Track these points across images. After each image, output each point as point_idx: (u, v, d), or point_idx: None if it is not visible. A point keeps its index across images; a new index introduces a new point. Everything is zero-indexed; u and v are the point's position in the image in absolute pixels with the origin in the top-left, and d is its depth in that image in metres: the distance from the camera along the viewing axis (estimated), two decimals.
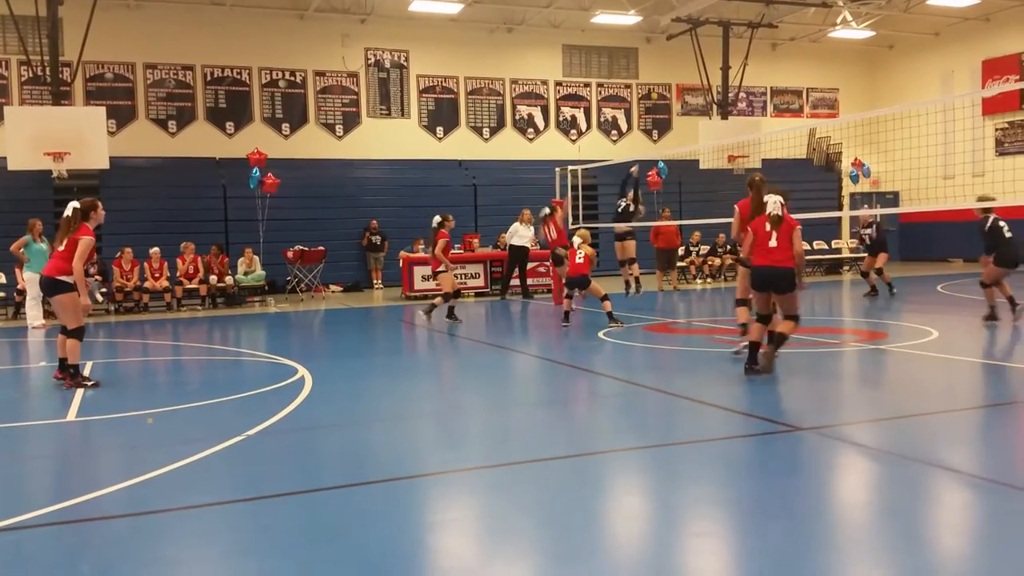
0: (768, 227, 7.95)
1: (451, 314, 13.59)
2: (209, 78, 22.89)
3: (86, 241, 8.28)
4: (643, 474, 5.34)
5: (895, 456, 5.48)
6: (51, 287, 8.34)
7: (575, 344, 11.14)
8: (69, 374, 8.34)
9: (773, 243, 7.85)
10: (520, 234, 18.18)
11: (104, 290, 17.05)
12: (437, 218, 13.28)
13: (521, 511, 4.58)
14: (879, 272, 15.96)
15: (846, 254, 24.63)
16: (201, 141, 22.62)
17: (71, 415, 7.18)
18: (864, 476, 5.24)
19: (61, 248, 8.33)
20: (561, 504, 4.65)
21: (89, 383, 8.33)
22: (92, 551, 4.15)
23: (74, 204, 8.54)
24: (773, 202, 7.99)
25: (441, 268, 13.24)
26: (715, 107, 25.60)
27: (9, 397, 8.55)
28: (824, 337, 10.90)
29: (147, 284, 17.27)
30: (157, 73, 22.43)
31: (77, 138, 17.60)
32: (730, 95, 25.32)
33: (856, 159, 24.22)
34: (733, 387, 7.92)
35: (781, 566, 3.71)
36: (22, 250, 14.60)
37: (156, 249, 17.57)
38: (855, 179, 24.06)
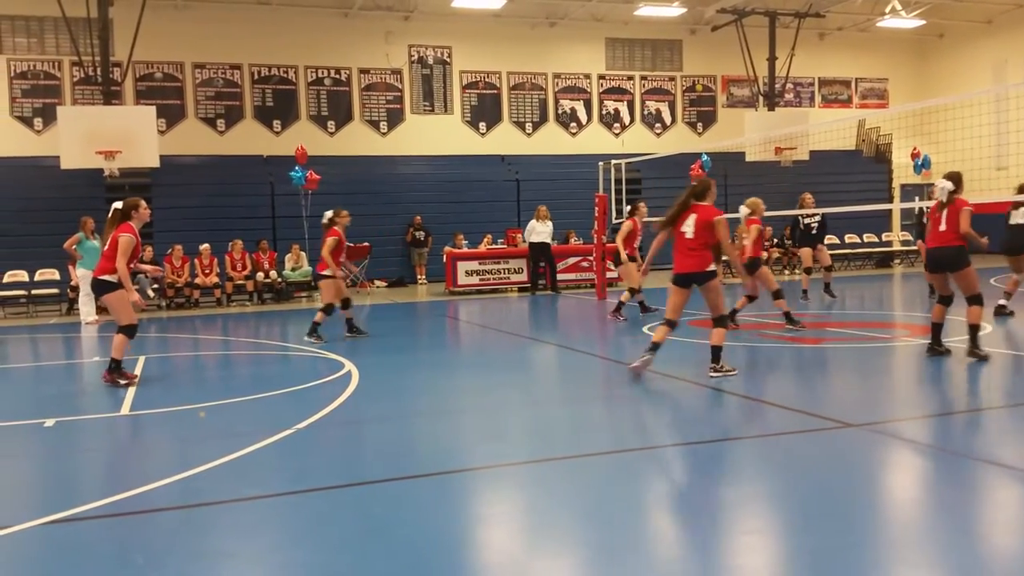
0: (938, 211, 8.25)
1: (314, 331, 11.15)
2: (256, 77, 23.16)
3: (125, 239, 8.23)
4: (690, 470, 5.31)
5: (947, 453, 5.38)
6: (98, 288, 8.47)
7: (619, 339, 11.10)
8: (109, 368, 8.39)
9: (943, 226, 8.17)
10: (538, 231, 18.15)
11: (156, 286, 17.35)
12: (328, 213, 11.40)
13: (567, 506, 4.58)
14: (808, 271, 14.69)
15: (897, 247, 24.22)
16: (249, 139, 22.90)
17: (125, 409, 7.33)
18: (916, 473, 5.16)
19: (106, 248, 8.41)
20: (607, 499, 4.64)
21: (122, 382, 8.25)
22: (146, 543, 4.23)
23: (116, 204, 8.58)
24: (941, 187, 8.28)
25: (326, 272, 11.09)
26: (761, 99, 25.29)
27: (64, 391, 8.75)
28: (874, 332, 10.73)
29: (197, 280, 17.55)
30: (205, 72, 22.76)
31: (128, 137, 17.93)
32: (777, 86, 24.99)
33: (916, 150, 23.78)
34: (782, 383, 7.85)
35: (832, 564, 3.66)
36: (75, 247, 14.94)
37: (206, 245, 17.84)
38: (918, 170, 23.61)
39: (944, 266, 8.23)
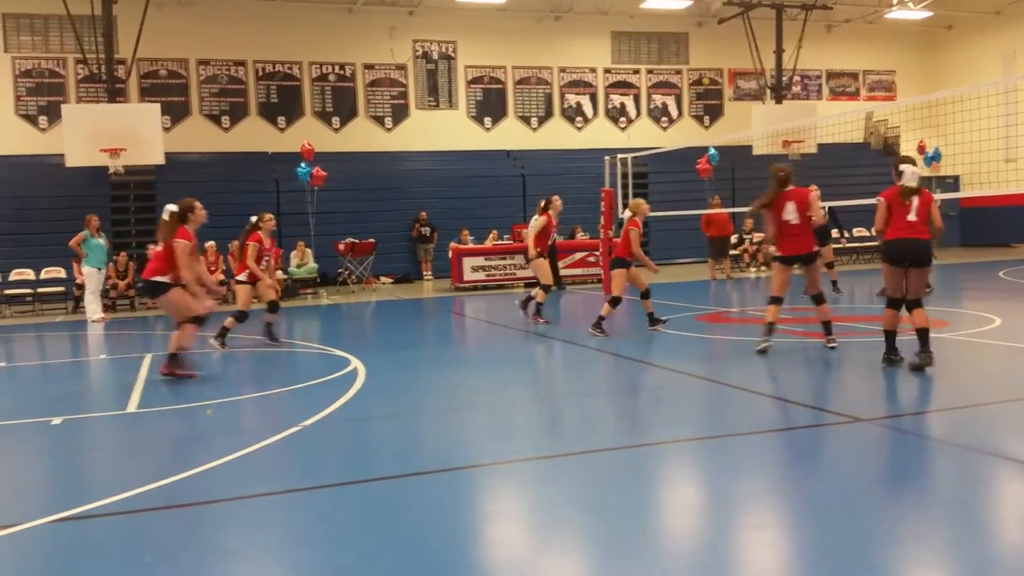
0: (906, 200, 7.50)
1: (221, 334, 10.58)
2: (261, 73, 23.15)
3: (181, 246, 8.06)
4: (698, 466, 5.26)
5: (958, 447, 5.32)
6: (151, 289, 8.27)
7: (626, 334, 11.05)
8: (166, 360, 8.22)
9: (913, 216, 7.44)
10: None
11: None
12: (253, 218, 10.89)
13: (574, 502, 4.54)
14: (831, 266, 13.94)
15: None
16: (254, 136, 22.91)
17: (132, 407, 7.31)
18: (926, 468, 5.10)
19: (159, 249, 8.20)
20: (615, 496, 4.60)
21: (180, 372, 8.16)
22: (154, 540, 4.20)
23: (171, 207, 8.29)
24: (911, 174, 7.57)
25: (241, 277, 10.75)
26: (769, 91, 25.21)
27: (71, 389, 8.74)
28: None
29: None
30: (210, 69, 22.75)
31: (133, 135, 17.93)
32: (784, 79, 24.91)
33: (922, 142, 23.66)
34: (790, 377, 7.79)
35: (840, 560, 3.62)
36: (80, 245, 14.94)
37: (212, 243, 17.81)
38: (928, 162, 23.49)
39: (913, 260, 7.43)
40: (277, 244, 18.89)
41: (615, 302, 10.60)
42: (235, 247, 17.69)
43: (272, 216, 11.09)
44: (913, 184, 7.53)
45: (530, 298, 12.16)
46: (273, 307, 10.90)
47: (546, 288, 12.05)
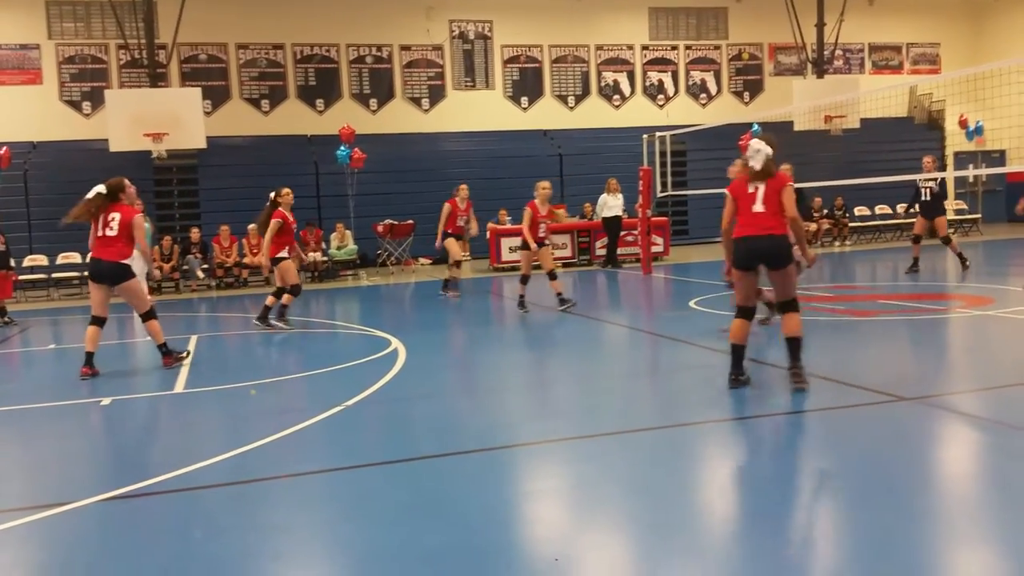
0: (751, 187, 6.24)
1: (282, 315, 10.75)
2: (299, 56, 23.26)
3: (140, 220, 8.57)
4: (739, 446, 5.26)
5: (1003, 426, 5.26)
6: (121, 274, 8.29)
7: (666, 314, 11.02)
8: (163, 356, 8.36)
9: (759, 207, 6.15)
10: (610, 205, 18.16)
11: (205, 266, 17.63)
12: (272, 194, 10.70)
13: (616, 481, 4.56)
14: (947, 241, 14.14)
15: (951, 216, 23.64)
16: (293, 119, 23.04)
17: (179, 387, 7.46)
18: (971, 447, 5.05)
19: (112, 233, 8.42)
20: (656, 475, 4.62)
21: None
22: (203, 518, 4.31)
23: (101, 189, 8.82)
24: (754, 151, 6.26)
25: (282, 255, 10.56)
26: (810, 66, 24.79)
27: (119, 370, 8.92)
28: (927, 303, 10.52)
29: (246, 260, 17.76)
30: (249, 53, 22.90)
31: (174, 119, 18.15)
32: (825, 53, 24.47)
33: (963, 117, 23.13)
34: (833, 356, 7.72)
35: (884, 540, 3.61)
36: None
37: (253, 225, 17.99)
38: (970, 137, 22.98)
39: (766, 261, 6.21)
40: (318, 226, 19.14)
41: (524, 280, 11.60)
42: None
43: (289, 190, 10.86)
44: (757, 165, 6.20)
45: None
46: (296, 290, 10.75)
47: (455, 264, 13.78)
